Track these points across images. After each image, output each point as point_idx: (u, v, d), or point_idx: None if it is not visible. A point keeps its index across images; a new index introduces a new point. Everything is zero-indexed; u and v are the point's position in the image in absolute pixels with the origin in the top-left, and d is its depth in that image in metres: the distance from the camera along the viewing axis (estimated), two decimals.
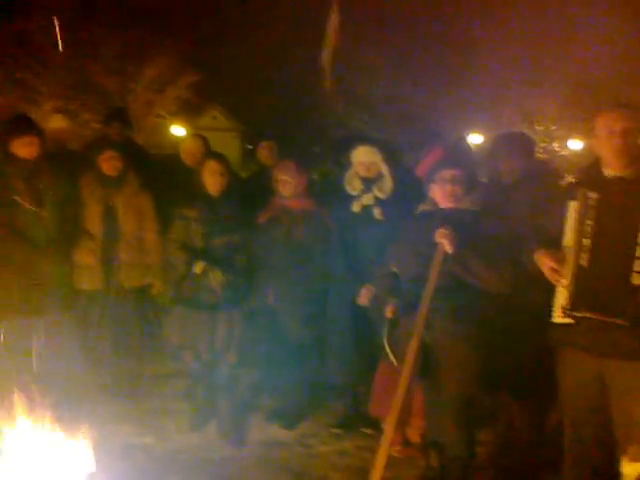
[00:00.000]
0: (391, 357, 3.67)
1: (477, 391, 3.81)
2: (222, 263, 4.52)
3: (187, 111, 30.47)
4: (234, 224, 4.61)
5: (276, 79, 32.33)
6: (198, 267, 4.48)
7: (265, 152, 5.91)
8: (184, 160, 5.74)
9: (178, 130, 27.35)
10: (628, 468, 1.58)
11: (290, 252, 4.65)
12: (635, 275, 2.87)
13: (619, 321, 2.90)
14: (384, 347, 3.75)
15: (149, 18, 25.84)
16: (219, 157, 4.76)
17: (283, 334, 4.72)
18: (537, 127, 32.13)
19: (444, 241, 3.60)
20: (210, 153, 5.12)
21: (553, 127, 33.11)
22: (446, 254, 3.61)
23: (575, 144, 32.42)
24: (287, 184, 4.70)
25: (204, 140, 5.88)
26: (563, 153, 32.93)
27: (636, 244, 2.88)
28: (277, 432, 4.68)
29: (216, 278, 4.48)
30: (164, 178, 5.61)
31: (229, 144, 32.97)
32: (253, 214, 4.78)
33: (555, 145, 33.56)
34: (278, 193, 4.77)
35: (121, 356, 5.23)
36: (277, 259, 4.67)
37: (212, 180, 4.59)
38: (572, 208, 3.10)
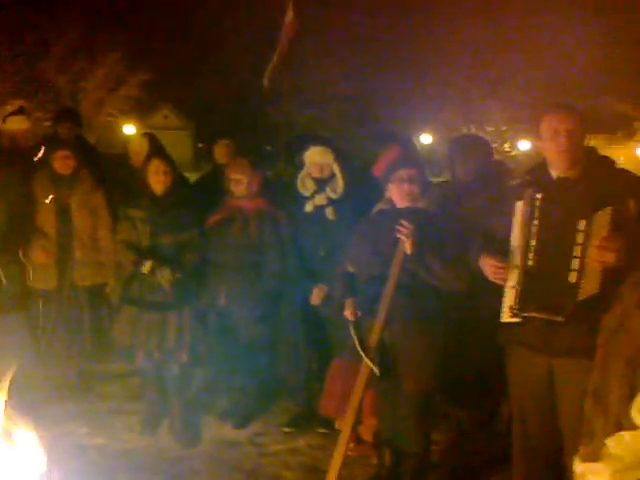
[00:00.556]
0: (369, 363, 3.63)
1: (435, 389, 3.87)
2: (170, 262, 4.50)
3: (138, 110, 30.16)
4: (181, 223, 4.59)
5: (229, 77, 32.19)
6: (145, 267, 4.45)
7: (221, 150, 5.86)
8: (131, 159, 5.71)
9: (129, 129, 27.04)
10: (580, 467, 1.62)
11: (243, 252, 4.65)
12: (572, 273, 2.92)
13: (556, 318, 2.95)
14: (360, 354, 3.66)
15: (100, 16, 25.49)
16: (163, 156, 4.74)
17: (235, 334, 4.73)
18: (487, 128, 32.63)
19: (404, 239, 3.62)
20: (154, 152, 5.08)
21: (504, 128, 33.65)
22: (406, 253, 3.64)
23: (525, 145, 33.04)
24: (240, 183, 4.69)
25: (150, 139, 5.83)
26: (513, 154, 33.53)
27: (575, 243, 2.92)
28: (229, 431, 4.67)
29: (165, 277, 4.45)
30: (114, 177, 5.57)
31: (181, 143, 32.71)
32: (206, 213, 4.76)
33: (506, 146, 34.14)
34: (231, 193, 4.76)
35: (74, 356, 5.17)
36: (230, 259, 4.66)
37: (156, 179, 4.56)
38: (519, 209, 3.13)
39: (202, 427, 4.69)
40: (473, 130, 28.98)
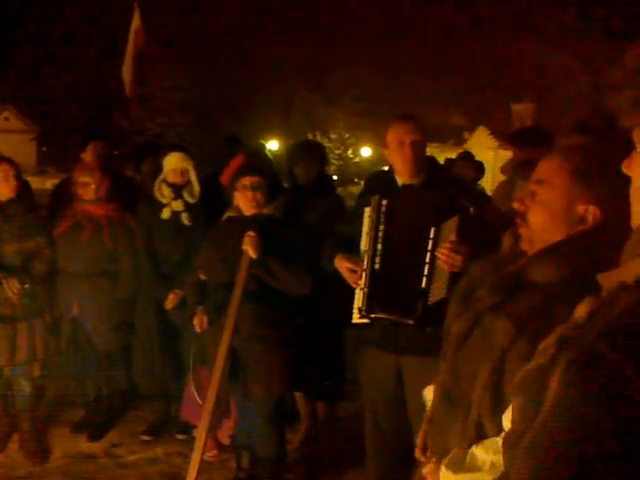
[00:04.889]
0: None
1: (285, 393, 3.96)
2: (17, 272, 4.28)
3: None
4: (28, 230, 4.38)
5: (75, 80, 30.90)
6: None
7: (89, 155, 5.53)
8: None
9: None
10: (448, 478, 1.64)
11: (95, 260, 4.53)
12: (422, 279, 3.03)
13: (407, 321, 3.07)
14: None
15: None
16: (5, 160, 4.51)
17: (88, 343, 4.58)
18: (332, 135, 33.54)
19: (248, 247, 3.67)
20: None
21: (346, 135, 34.71)
22: (251, 259, 3.69)
23: (366, 151, 34.31)
24: (88, 187, 4.56)
25: None
26: (356, 160, 34.67)
27: (427, 250, 3.03)
28: (83, 444, 4.54)
29: (12, 288, 4.25)
30: None
31: (24, 146, 30.99)
32: (56, 220, 4.60)
33: (349, 152, 35.23)
34: (79, 197, 4.62)
35: None
36: (81, 267, 4.51)
37: (2, 185, 4.34)
38: (366, 214, 3.24)
39: (55, 441, 4.53)
40: (318, 137, 29.63)
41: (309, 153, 4.53)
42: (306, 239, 3.80)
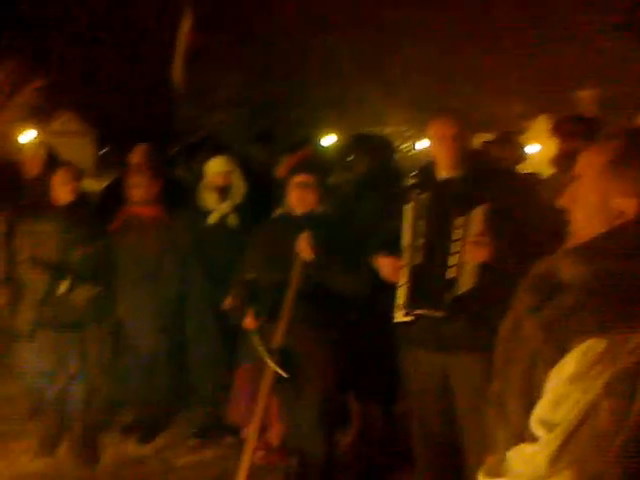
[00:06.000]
0: (273, 366, 3.57)
1: (337, 394, 3.88)
2: (86, 278, 4.26)
3: (37, 116, 29.10)
4: (91, 234, 4.39)
5: (129, 81, 31.47)
6: (63, 285, 4.20)
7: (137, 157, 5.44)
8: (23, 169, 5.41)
9: (27, 136, 25.99)
10: None
11: (140, 261, 4.52)
12: (450, 269, 3.03)
13: (437, 314, 3.05)
14: (265, 361, 3.62)
15: None
16: (68, 165, 4.57)
17: (135, 346, 4.59)
18: (387, 128, 33.30)
19: (303, 249, 3.61)
20: (57, 161, 4.86)
21: (403, 128, 34.42)
22: (306, 261, 3.62)
23: (424, 144, 33.86)
24: (139, 188, 4.55)
25: (47, 148, 5.55)
26: (412, 153, 34.37)
27: (453, 240, 3.05)
28: (133, 448, 4.54)
29: (83, 295, 4.22)
30: None
31: (82, 149, 31.73)
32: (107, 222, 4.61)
33: (405, 145, 34.95)
34: (130, 198, 4.61)
35: None
36: (127, 269, 4.51)
37: (64, 189, 4.35)
38: (407, 209, 3.25)
39: (104, 444, 4.52)
40: (374, 130, 29.49)
41: (368, 146, 4.45)
42: (359, 237, 3.72)
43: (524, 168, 6.02)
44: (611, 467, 1.10)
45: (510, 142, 6.71)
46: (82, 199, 4.48)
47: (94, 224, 4.46)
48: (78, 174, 4.48)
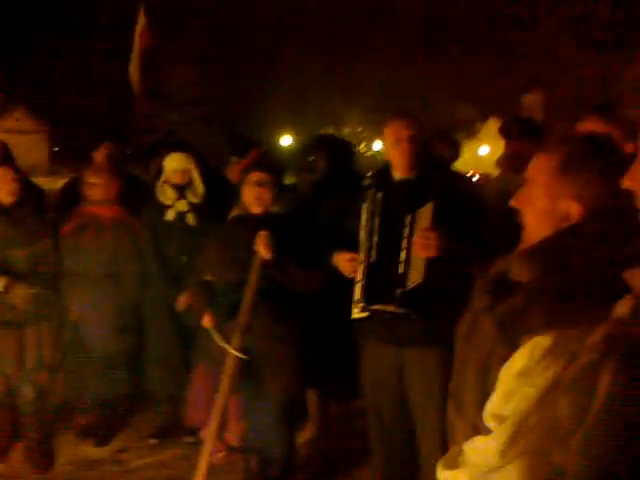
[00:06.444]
0: (234, 352, 3.59)
1: (297, 393, 3.92)
2: (25, 277, 4.22)
3: None
4: (35, 234, 4.31)
5: (85, 79, 31.06)
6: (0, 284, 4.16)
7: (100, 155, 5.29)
8: None
9: None
10: (442, 474, 1.66)
11: (97, 262, 4.47)
12: (400, 265, 3.12)
13: (389, 308, 3.14)
14: (225, 347, 3.63)
15: None
16: (9, 163, 4.48)
17: (91, 346, 4.53)
18: (344, 129, 33.45)
19: (261, 247, 3.62)
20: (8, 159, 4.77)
21: (359, 129, 34.59)
22: (264, 259, 3.64)
23: (379, 145, 34.11)
24: (96, 188, 4.51)
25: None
26: (368, 154, 34.57)
27: (402, 237, 3.14)
28: (89, 450, 4.48)
29: (20, 294, 4.17)
30: None
31: (36, 146, 31.14)
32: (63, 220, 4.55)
33: (361, 146, 35.13)
34: (87, 198, 4.57)
35: None
36: (83, 269, 4.46)
37: (4, 188, 4.25)
38: (363, 208, 3.32)
39: (60, 447, 4.47)
40: (331, 131, 29.55)
41: (328, 147, 4.47)
42: (317, 236, 3.74)
43: (476, 169, 6.11)
44: (573, 459, 1.13)
45: (446, 140, 6.80)
46: (27, 199, 4.40)
47: (39, 224, 4.38)
48: (19, 174, 4.38)
